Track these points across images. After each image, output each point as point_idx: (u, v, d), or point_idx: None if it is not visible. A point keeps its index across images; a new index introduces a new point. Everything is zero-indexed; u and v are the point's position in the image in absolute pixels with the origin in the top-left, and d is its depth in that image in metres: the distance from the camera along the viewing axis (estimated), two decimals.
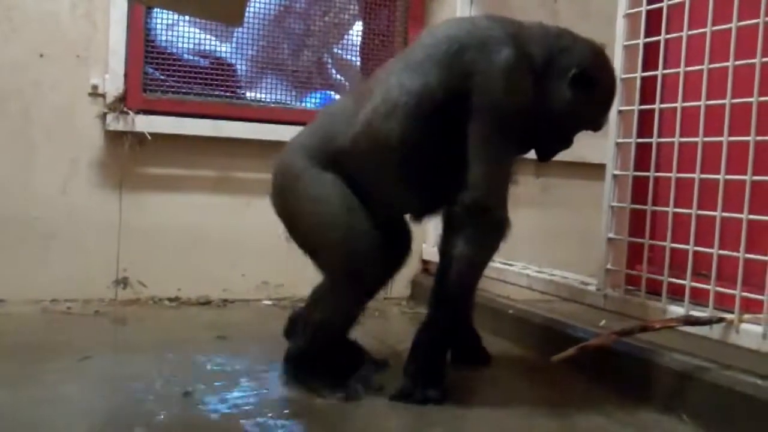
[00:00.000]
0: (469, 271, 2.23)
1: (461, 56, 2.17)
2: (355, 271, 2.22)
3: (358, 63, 3.90)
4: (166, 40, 3.49)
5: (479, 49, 2.16)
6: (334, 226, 2.24)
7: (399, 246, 2.50)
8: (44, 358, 2.48)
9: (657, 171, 2.41)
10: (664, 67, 2.40)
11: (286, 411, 2.10)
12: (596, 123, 2.37)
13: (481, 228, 2.17)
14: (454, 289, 2.20)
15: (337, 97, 3.77)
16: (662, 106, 2.41)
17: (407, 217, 2.51)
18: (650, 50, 2.47)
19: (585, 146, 2.59)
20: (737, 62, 2.12)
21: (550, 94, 2.23)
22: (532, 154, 2.41)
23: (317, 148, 2.31)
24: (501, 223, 2.20)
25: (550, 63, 2.23)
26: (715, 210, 2.15)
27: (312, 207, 2.28)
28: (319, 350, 2.28)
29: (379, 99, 2.23)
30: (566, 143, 2.38)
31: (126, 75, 3.34)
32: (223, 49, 3.64)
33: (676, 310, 2.24)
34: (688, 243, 2.25)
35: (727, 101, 2.13)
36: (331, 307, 2.27)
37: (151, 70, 3.42)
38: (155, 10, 3.43)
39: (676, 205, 2.32)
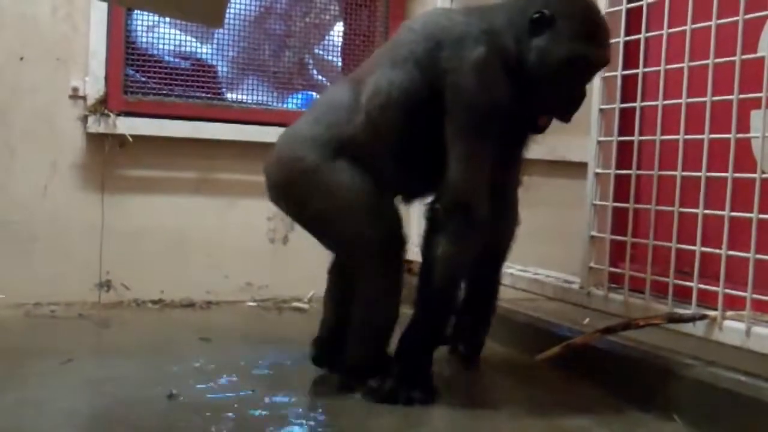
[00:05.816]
0: (452, 271, 2.21)
1: (438, 54, 2.17)
2: (392, 253, 2.23)
3: (340, 63, 3.90)
4: (147, 42, 3.48)
5: (454, 47, 2.16)
6: (363, 212, 2.22)
7: None
8: (27, 362, 2.46)
9: (639, 169, 2.42)
10: (645, 65, 2.41)
11: (269, 413, 2.09)
12: (587, 60, 2.18)
13: (461, 226, 2.16)
14: (438, 288, 2.19)
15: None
16: (643, 104, 2.42)
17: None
18: (630, 48, 2.48)
19: (567, 145, 2.59)
20: (717, 60, 2.13)
21: (526, 65, 2.16)
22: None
23: (324, 138, 2.25)
24: (481, 221, 2.18)
25: (522, 49, 2.17)
26: (697, 207, 2.16)
27: (337, 197, 2.22)
28: (383, 354, 2.27)
29: (372, 90, 2.23)
30: (572, 103, 2.22)
31: (107, 77, 3.33)
32: (204, 50, 3.63)
33: (660, 307, 2.25)
34: (670, 240, 2.26)
35: (707, 99, 2.14)
36: (382, 302, 2.25)
37: (131, 72, 3.41)
38: (135, 12, 3.42)
39: (658, 203, 2.33)
